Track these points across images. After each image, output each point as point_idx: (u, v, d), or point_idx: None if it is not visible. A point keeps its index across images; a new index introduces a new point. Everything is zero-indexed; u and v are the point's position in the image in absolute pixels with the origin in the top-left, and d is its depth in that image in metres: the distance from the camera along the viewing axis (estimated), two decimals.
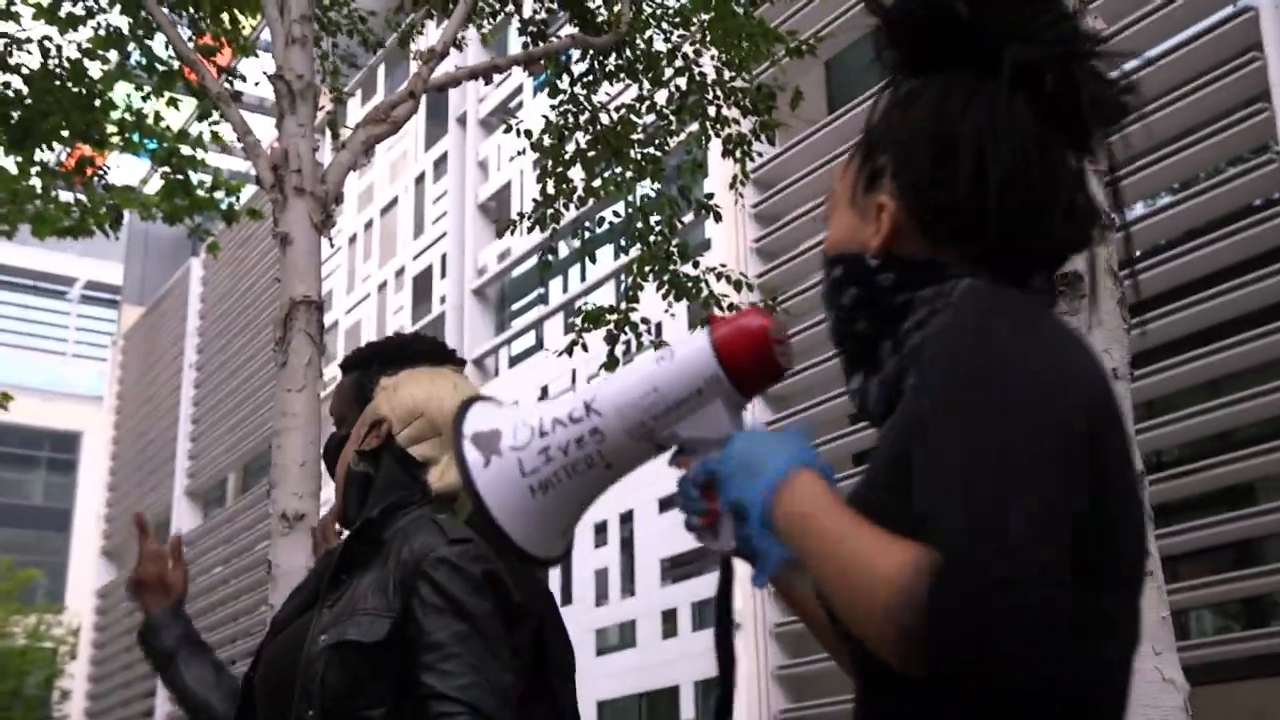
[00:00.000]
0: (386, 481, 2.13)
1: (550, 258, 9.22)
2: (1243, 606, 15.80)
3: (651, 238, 8.67)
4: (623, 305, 8.88)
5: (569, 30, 9.02)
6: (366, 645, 1.96)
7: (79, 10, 8.51)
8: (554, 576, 27.64)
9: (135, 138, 8.56)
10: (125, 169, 8.93)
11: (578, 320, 8.93)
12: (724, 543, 1.34)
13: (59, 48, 8.36)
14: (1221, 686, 13.76)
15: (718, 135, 8.81)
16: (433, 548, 1.99)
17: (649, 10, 8.76)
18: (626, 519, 25.78)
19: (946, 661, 0.98)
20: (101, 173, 8.91)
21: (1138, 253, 16.22)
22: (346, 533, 2.18)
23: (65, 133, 8.23)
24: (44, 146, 8.33)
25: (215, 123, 8.70)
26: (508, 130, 9.61)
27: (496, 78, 25.87)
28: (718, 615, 1.39)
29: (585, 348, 8.97)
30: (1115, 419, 1.15)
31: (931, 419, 1.09)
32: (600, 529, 26.63)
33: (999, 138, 1.18)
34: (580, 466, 1.37)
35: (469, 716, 1.86)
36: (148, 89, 8.76)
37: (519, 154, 9.61)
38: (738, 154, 8.92)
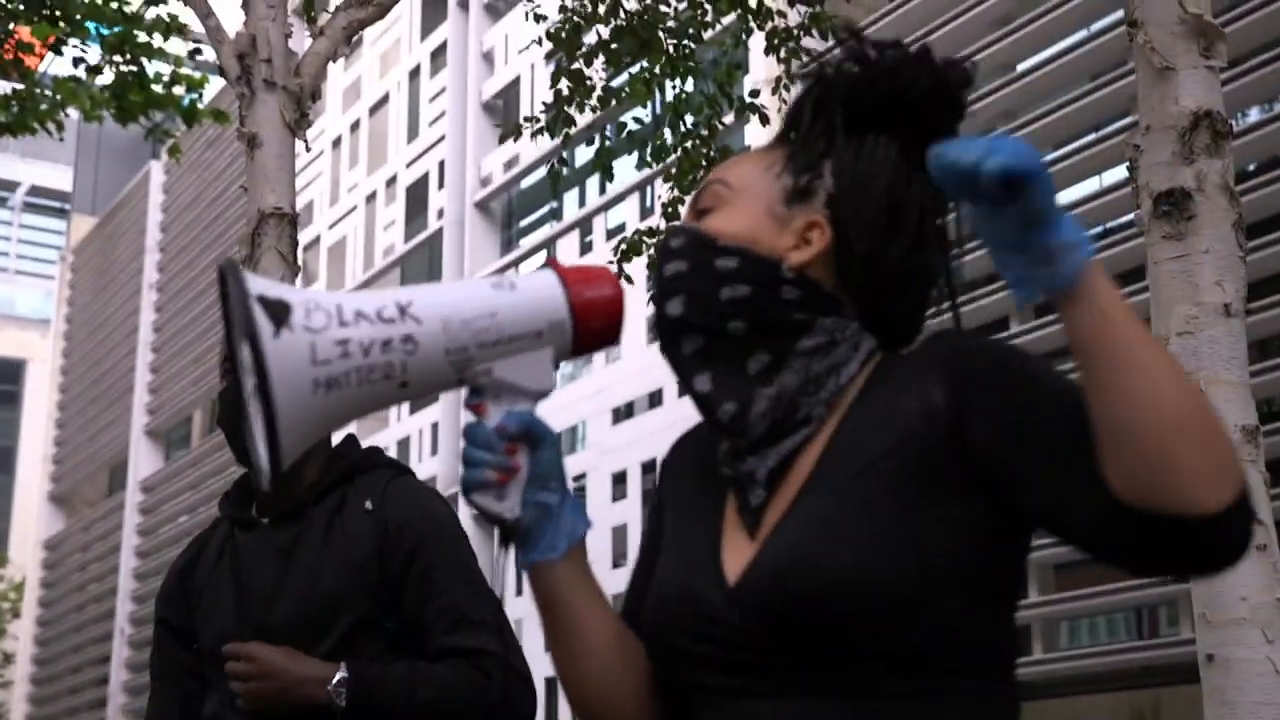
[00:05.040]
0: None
1: (564, 168, 9.10)
2: None
3: (688, 143, 8.53)
4: (660, 225, 8.75)
5: None
6: None
7: None
8: None
9: (85, 23, 8.43)
10: (70, 59, 8.77)
11: (611, 249, 8.79)
12: (510, 507, 1.39)
13: None
14: None
15: (760, 29, 8.63)
16: None
17: None
18: None
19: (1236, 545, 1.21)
20: (54, 57, 8.77)
21: (1251, 166, 15.97)
22: None
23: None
24: None
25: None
26: (530, 19, 9.33)
27: None
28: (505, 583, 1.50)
29: (630, 280, 8.86)
30: None
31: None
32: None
33: (936, 213, 1.48)
34: (376, 374, 1.32)
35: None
36: None
37: (535, 43, 9.35)
38: (783, 52, 8.76)
